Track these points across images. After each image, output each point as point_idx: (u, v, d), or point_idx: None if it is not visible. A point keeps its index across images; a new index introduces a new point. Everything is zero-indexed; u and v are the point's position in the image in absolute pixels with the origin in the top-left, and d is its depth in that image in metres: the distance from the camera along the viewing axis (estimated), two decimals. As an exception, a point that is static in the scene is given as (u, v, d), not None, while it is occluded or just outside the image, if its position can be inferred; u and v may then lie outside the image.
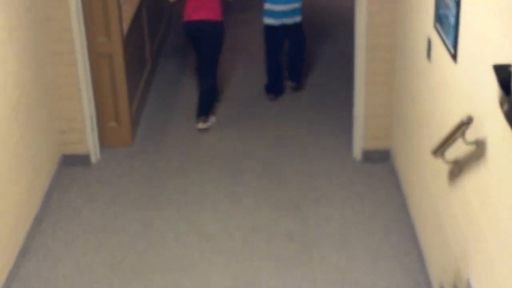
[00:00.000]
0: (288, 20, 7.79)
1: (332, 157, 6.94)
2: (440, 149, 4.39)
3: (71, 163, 6.78)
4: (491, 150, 3.68)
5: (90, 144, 6.80)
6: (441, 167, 4.75)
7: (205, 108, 7.47)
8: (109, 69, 6.82)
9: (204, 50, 7.37)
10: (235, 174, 6.73)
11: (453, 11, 4.36)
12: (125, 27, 7.08)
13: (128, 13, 7.42)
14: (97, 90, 6.84)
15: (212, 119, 7.58)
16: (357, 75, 6.64)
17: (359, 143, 6.84)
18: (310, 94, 8.12)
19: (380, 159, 6.80)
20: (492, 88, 3.61)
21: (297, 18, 7.82)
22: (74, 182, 6.60)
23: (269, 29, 7.85)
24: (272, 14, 7.76)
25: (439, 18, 4.72)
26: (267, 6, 7.77)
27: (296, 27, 7.89)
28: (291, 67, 8.16)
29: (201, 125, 7.44)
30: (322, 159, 6.90)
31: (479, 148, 3.87)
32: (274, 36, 7.88)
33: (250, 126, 7.52)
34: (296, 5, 7.75)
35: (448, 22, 4.50)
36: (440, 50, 4.77)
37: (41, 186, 6.20)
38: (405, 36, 6.01)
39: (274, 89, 8.05)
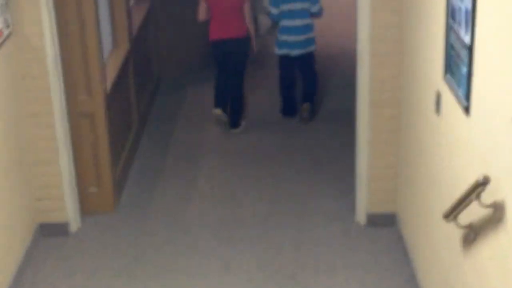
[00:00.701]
0: (301, 51, 8.16)
1: (333, 221, 6.40)
2: (452, 213, 3.98)
3: (48, 232, 6.23)
4: (511, 213, 3.30)
5: (70, 212, 6.27)
6: (453, 232, 4.29)
7: (237, 117, 8.12)
8: (90, 129, 6.32)
9: (231, 66, 8.00)
10: (227, 242, 6.18)
11: (465, 60, 3.89)
12: (109, 84, 6.62)
13: (113, 69, 6.97)
14: (77, 152, 6.33)
15: (243, 123, 8.19)
16: (359, 132, 6.14)
17: (363, 206, 6.31)
18: (308, 151, 7.62)
19: (386, 223, 6.27)
20: (510, 145, 3.24)
21: (311, 48, 8.21)
22: (51, 254, 6.04)
23: (283, 59, 8.29)
24: (286, 44, 8.18)
25: (450, 68, 4.25)
26: (282, 37, 8.17)
27: (309, 56, 8.27)
28: (304, 93, 8.44)
29: (235, 131, 8.11)
30: (322, 224, 6.37)
31: (497, 212, 3.49)
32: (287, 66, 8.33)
33: (243, 188, 6.99)
34: (310, 34, 8.13)
35: (459, 72, 4.03)
36: (451, 102, 4.30)
37: (14, 259, 5.65)
38: (411, 89, 5.53)
39: (289, 110, 8.44)
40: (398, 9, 5.72)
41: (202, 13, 7.89)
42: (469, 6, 3.79)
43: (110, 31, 7.40)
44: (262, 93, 9.04)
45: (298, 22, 8.01)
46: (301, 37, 8.06)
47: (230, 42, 7.83)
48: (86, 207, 6.51)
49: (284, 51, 8.15)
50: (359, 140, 6.17)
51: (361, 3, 5.76)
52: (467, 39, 3.86)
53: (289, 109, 8.38)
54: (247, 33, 7.87)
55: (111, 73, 6.87)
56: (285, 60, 8.23)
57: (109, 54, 7.28)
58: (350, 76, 6.75)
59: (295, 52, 8.11)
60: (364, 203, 6.30)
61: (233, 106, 8.11)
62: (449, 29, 4.24)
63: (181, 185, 7.09)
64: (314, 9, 8.02)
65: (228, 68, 8.00)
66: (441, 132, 4.62)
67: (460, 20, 3.99)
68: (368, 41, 5.81)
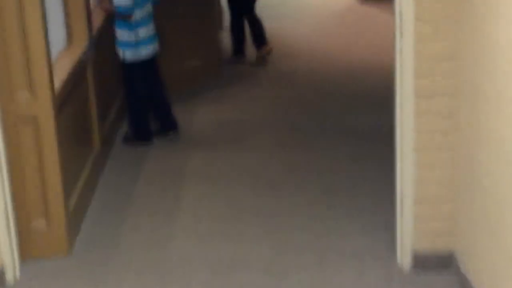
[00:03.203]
0: None
1: (365, 265, 4.72)
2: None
3: (-26, 283, 4.48)
4: None
5: (5, 255, 4.52)
6: None
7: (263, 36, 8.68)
8: (34, 139, 4.60)
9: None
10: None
11: None
12: (59, 84, 4.94)
13: (64, 68, 5.29)
14: (16, 172, 4.60)
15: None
16: (401, 137, 4.53)
17: (407, 243, 4.65)
18: (320, 175, 5.93)
19: (440, 266, 4.61)
20: None
21: None
22: (-24, 314, 4.28)
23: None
24: None
25: None
26: None
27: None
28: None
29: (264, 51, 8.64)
30: (350, 270, 4.68)
31: None
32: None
33: (239, 224, 5.28)
34: None
35: None
36: None
37: None
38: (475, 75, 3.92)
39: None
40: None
41: None
42: None
43: (63, 23, 5.74)
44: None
45: None
46: None
47: None
48: (28, 248, 4.74)
49: None
50: (401, 147, 4.55)
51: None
52: None
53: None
54: None
55: (63, 72, 5.19)
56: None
57: (62, 51, 5.62)
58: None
59: None
60: (409, 239, 4.64)
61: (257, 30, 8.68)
62: None
63: (157, 220, 5.35)
64: None
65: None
66: None
67: None
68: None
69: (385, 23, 9.48)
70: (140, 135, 6.51)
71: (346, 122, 7.07)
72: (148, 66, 6.34)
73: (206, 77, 8.06)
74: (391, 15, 4.93)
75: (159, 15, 6.70)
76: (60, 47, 5.64)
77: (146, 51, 6.26)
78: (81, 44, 5.82)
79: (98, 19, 6.42)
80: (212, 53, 8.16)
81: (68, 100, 5.17)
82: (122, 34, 6.21)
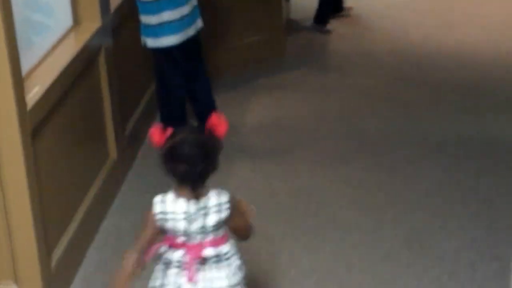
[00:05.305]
0: None
1: None
2: None
3: None
4: None
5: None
6: None
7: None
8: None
9: None
10: None
11: None
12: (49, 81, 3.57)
13: (59, 59, 3.89)
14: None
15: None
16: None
17: None
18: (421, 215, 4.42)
19: None
20: None
21: None
22: None
23: None
24: None
25: None
26: None
27: None
28: None
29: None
30: None
31: None
32: None
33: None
34: None
35: None
36: None
37: None
38: None
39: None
40: None
41: None
42: None
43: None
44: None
45: None
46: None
47: None
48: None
49: None
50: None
51: None
52: None
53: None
54: None
55: (55, 65, 3.80)
56: None
57: (63, 34, 4.22)
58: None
59: None
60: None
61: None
62: None
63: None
64: None
65: None
66: None
67: None
68: None
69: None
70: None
71: (453, 128, 5.43)
72: (183, 53, 4.87)
73: (268, 57, 6.58)
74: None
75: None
76: (62, 28, 4.25)
77: (173, 38, 4.76)
78: (91, 25, 4.39)
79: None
80: (276, 26, 6.66)
81: (64, 101, 3.77)
82: (142, 16, 4.75)
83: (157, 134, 2.67)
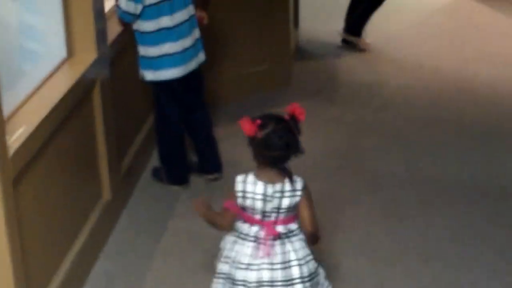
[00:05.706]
0: None
1: None
2: None
3: None
4: None
5: None
6: None
7: None
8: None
9: None
10: None
11: None
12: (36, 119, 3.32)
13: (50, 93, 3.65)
14: None
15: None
16: None
17: None
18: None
19: None
20: None
21: None
22: None
23: None
24: None
25: None
26: None
27: None
28: None
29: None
30: None
31: None
32: None
33: None
34: None
35: None
36: None
37: None
38: None
39: None
40: None
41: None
42: None
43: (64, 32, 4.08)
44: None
45: None
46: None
47: None
48: None
49: None
50: None
51: None
52: None
53: None
54: None
55: (46, 100, 3.56)
56: None
57: (56, 65, 3.97)
58: None
59: None
60: None
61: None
62: None
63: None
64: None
65: None
66: None
67: None
68: None
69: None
70: (172, 177, 4.82)
71: (467, 168, 5.17)
72: (183, 85, 4.62)
73: (274, 86, 6.33)
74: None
75: (213, 6, 5.02)
76: (56, 59, 4.01)
77: (174, 71, 4.50)
78: (87, 57, 4.14)
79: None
80: (283, 54, 6.41)
81: (53, 141, 3.51)
82: (140, 48, 4.50)
83: (247, 124, 3.05)
